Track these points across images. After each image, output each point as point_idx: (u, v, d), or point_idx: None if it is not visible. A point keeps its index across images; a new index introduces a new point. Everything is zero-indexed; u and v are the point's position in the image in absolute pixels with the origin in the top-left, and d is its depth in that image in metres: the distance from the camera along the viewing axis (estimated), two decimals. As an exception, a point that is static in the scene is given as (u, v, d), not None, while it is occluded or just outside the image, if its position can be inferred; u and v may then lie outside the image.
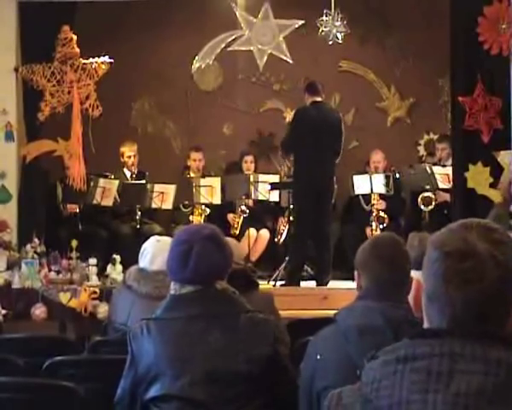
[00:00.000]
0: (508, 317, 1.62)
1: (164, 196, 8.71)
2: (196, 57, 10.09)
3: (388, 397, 1.57)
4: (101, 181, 8.65)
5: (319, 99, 8.13)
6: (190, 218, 8.95)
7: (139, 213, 8.77)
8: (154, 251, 4.29)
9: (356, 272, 2.88)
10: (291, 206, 8.38)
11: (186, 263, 2.88)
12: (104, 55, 8.08)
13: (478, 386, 1.51)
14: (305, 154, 7.96)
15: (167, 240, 4.42)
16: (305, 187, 8.02)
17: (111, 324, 4.44)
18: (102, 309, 6.97)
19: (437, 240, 1.64)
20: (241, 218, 9.09)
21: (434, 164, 8.90)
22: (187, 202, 9.06)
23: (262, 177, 8.96)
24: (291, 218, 8.40)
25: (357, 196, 9.05)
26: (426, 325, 1.67)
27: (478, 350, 1.56)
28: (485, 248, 1.59)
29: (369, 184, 8.82)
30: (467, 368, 1.54)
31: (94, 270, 7.46)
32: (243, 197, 9.01)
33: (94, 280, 7.40)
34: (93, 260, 7.50)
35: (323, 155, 7.94)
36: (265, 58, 10.11)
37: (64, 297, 7.14)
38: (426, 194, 8.72)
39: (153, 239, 4.52)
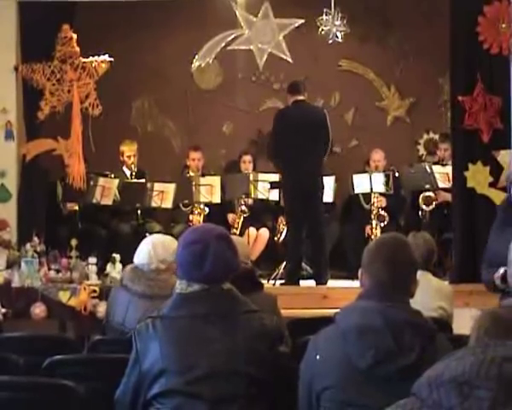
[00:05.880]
0: None
1: (164, 194, 8.69)
2: (196, 56, 10.08)
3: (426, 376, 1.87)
4: (101, 180, 8.64)
5: (301, 98, 8.06)
6: (190, 217, 8.95)
7: (139, 211, 8.77)
8: (151, 249, 4.30)
9: (360, 271, 2.88)
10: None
11: (202, 262, 2.88)
12: (104, 54, 8.08)
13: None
14: (290, 154, 7.90)
15: (164, 238, 4.46)
16: (292, 188, 7.99)
17: (108, 323, 4.45)
18: (102, 308, 6.96)
19: None
20: (241, 217, 9.09)
21: (434, 163, 8.89)
22: (187, 201, 9.06)
23: (262, 176, 8.93)
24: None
25: (357, 194, 9.03)
26: None
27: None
28: None
29: (368, 182, 8.80)
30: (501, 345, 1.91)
31: (93, 269, 7.45)
32: (243, 196, 9.00)
33: (93, 279, 7.39)
34: (93, 259, 7.50)
35: (308, 154, 7.86)
36: (265, 57, 10.10)
37: (64, 296, 7.14)
38: (427, 194, 8.70)
39: (150, 238, 4.54)
